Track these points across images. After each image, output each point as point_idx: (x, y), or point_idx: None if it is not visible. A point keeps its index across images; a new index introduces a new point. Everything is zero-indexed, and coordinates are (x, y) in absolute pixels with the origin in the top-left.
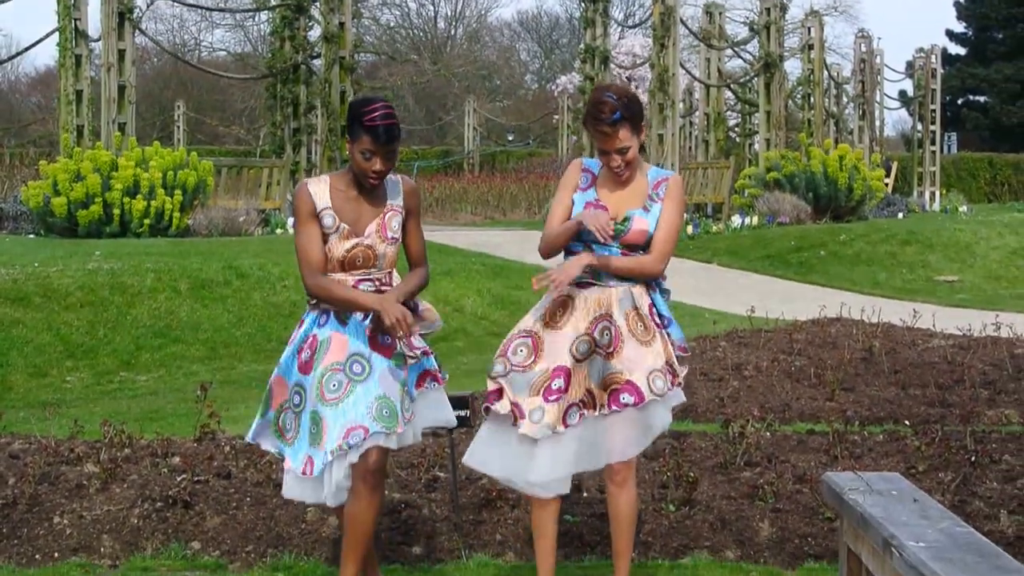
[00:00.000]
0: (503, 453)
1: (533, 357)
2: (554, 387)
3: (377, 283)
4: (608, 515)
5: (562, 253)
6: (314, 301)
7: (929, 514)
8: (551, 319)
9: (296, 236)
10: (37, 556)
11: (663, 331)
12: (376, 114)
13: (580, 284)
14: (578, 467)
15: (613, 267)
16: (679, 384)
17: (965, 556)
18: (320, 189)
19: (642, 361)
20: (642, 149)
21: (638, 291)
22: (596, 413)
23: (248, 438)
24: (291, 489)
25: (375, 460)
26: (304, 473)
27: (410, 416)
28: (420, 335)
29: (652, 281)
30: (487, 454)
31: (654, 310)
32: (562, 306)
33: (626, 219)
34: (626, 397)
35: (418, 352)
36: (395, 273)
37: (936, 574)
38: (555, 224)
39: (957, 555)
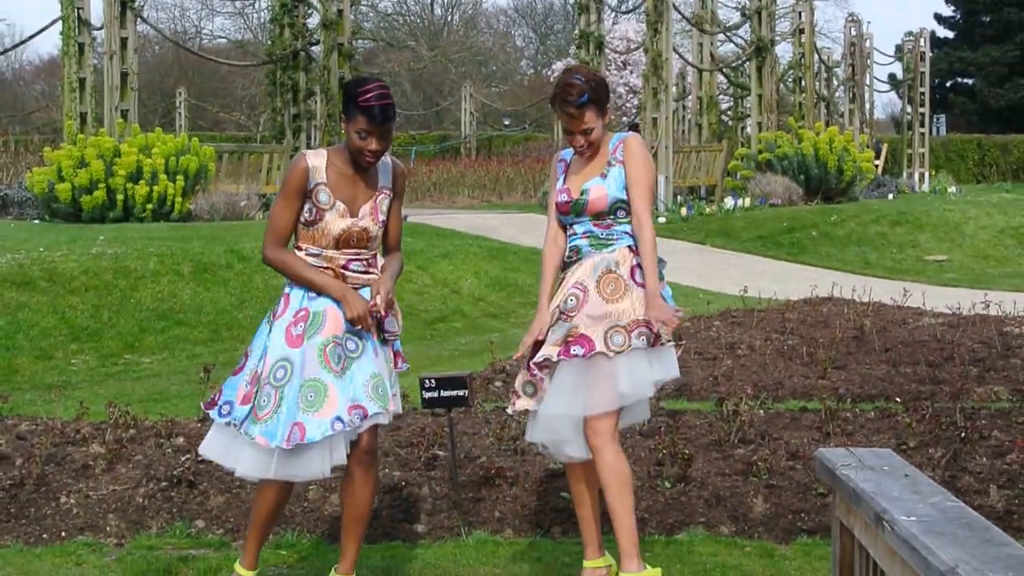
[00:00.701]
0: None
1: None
2: (533, 362)
3: (366, 263)
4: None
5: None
6: None
7: (920, 489)
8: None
9: (274, 204)
10: (44, 535)
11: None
12: (371, 94)
13: (566, 263)
14: (568, 412)
15: (655, 283)
16: (662, 343)
17: (955, 530)
18: (318, 163)
19: (603, 317)
20: (635, 127)
21: (619, 255)
22: (546, 372)
23: (206, 453)
24: (250, 466)
25: (368, 441)
26: (288, 443)
27: (395, 392)
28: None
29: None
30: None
31: (637, 272)
32: (560, 289)
33: (583, 192)
34: (576, 348)
35: (396, 334)
36: (379, 253)
37: (927, 547)
38: (552, 219)
39: (948, 529)
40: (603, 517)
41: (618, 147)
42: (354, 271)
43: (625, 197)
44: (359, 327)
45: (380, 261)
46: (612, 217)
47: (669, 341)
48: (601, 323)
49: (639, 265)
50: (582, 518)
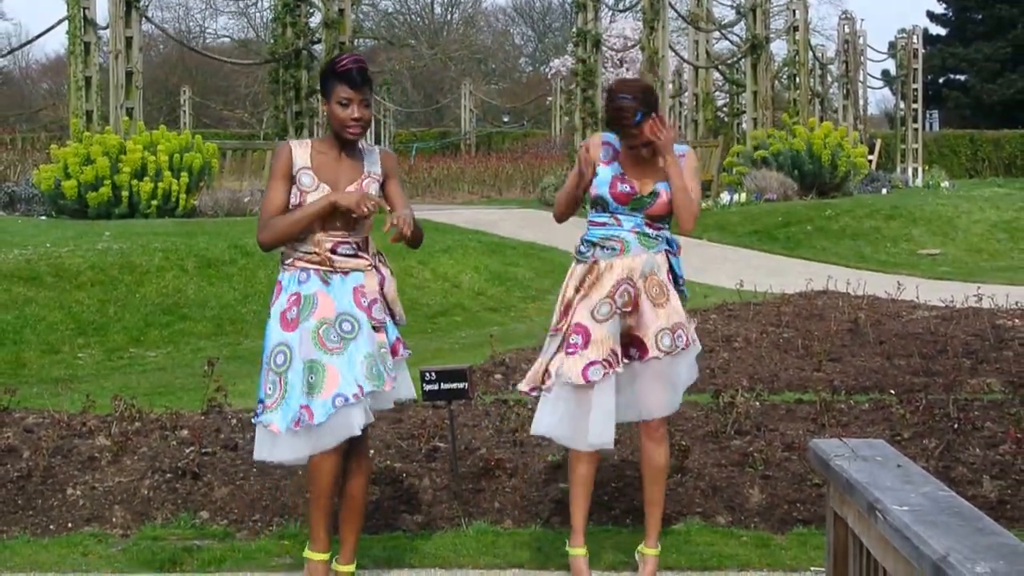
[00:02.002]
0: (560, 419)
1: (564, 320)
2: (571, 341)
3: (355, 246)
4: (641, 468)
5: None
6: (288, 261)
7: (912, 479)
8: (582, 285)
9: (266, 191)
10: (51, 526)
11: (679, 291)
12: (346, 60)
13: (605, 247)
14: (617, 419)
15: (677, 178)
16: (692, 342)
17: (947, 519)
18: (302, 151)
19: (654, 321)
20: None
21: (660, 258)
22: (619, 370)
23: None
24: (269, 451)
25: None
26: (297, 425)
27: (393, 377)
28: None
29: (672, 246)
30: (547, 421)
31: (671, 273)
32: (590, 272)
33: (653, 192)
34: (633, 351)
35: (385, 319)
36: (371, 239)
37: (919, 536)
38: (568, 189)
39: (939, 518)
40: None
41: (680, 159)
42: (342, 254)
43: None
44: (365, 208)
45: (373, 247)
46: (663, 222)
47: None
48: (651, 326)
49: (673, 268)
50: (583, 503)
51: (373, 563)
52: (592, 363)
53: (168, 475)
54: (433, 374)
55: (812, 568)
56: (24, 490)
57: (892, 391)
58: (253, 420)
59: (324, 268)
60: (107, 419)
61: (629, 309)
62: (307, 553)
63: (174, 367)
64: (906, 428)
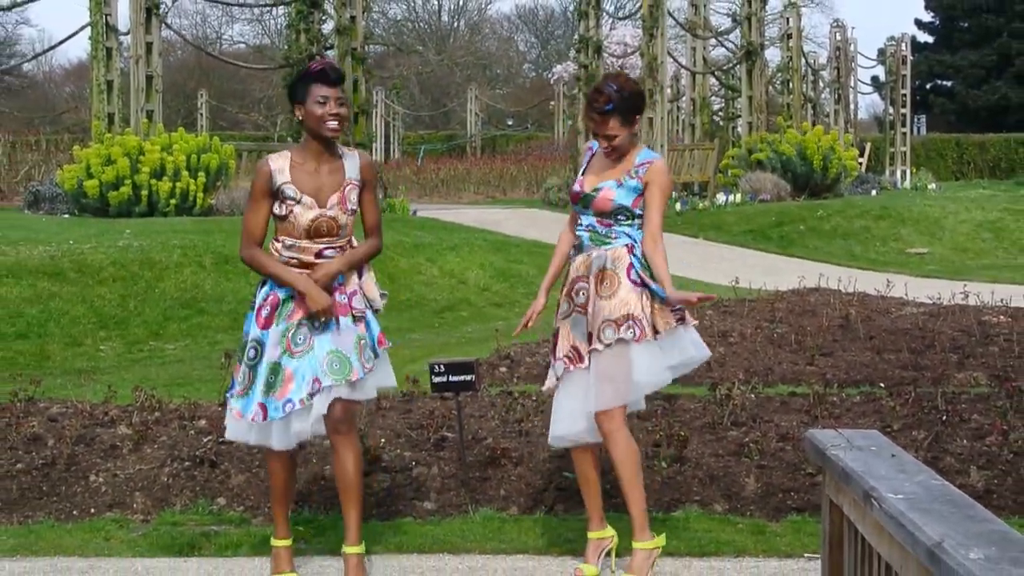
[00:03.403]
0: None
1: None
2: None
3: (339, 250)
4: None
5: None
6: (281, 260)
7: (906, 468)
8: (563, 286)
9: (246, 209)
10: (75, 512)
11: (638, 288)
12: (315, 63)
13: (574, 253)
14: (586, 418)
15: (669, 289)
16: (645, 338)
17: (941, 507)
18: (281, 165)
19: (599, 313)
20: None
21: (615, 254)
22: (584, 366)
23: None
24: (235, 432)
25: (339, 413)
26: (253, 420)
27: (370, 367)
28: (370, 308)
29: (636, 241)
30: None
31: (633, 270)
32: (564, 275)
33: (596, 188)
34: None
35: (364, 312)
36: (354, 239)
37: (914, 523)
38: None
39: (933, 506)
40: (605, 492)
41: (644, 165)
42: (328, 258)
43: (629, 205)
44: (322, 319)
45: (355, 244)
46: (613, 218)
47: (679, 323)
48: (597, 319)
49: (634, 264)
50: (587, 494)
51: (383, 548)
52: (558, 359)
53: (187, 463)
54: (442, 367)
55: (806, 554)
56: (49, 477)
57: (882, 384)
58: (227, 395)
59: (307, 272)
60: (128, 409)
61: (587, 307)
62: (272, 541)
63: (192, 359)
64: (896, 420)
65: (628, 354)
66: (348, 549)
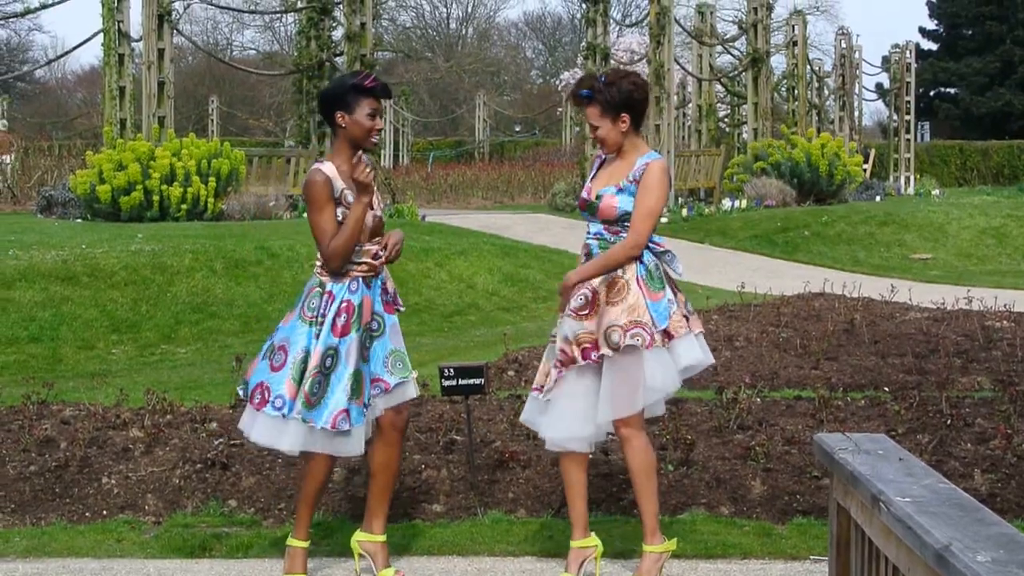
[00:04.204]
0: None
1: None
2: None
3: (380, 244)
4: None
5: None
6: (343, 271)
7: (914, 472)
8: None
9: (316, 218)
10: (87, 513)
11: (644, 298)
12: (369, 77)
13: (583, 261)
14: (585, 425)
15: (591, 275)
16: (655, 344)
17: (948, 510)
18: (332, 172)
19: (605, 317)
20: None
21: (629, 263)
22: (571, 369)
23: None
24: (294, 441)
25: (404, 411)
26: (332, 427)
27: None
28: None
29: (652, 253)
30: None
31: (639, 276)
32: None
33: (598, 196)
34: (594, 354)
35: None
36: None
37: (922, 526)
38: None
39: (941, 509)
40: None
41: (641, 167)
42: (378, 257)
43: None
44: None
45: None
46: (620, 226)
47: (689, 330)
48: (603, 323)
49: (640, 273)
50: (573, 501)
51: (393, 550)
52: (554, 364)
53: (198, 465)
54: (451, 370)
55: (812, 556)
56: (61, 479)
57: (887, 389)
58: (272, 411)
59: (370, 275)
60: (140, 412)
61: (586, 312)
62: (291, 541)
63: (203, 363)
64: (900, 424)
65: (640, 361)
66: (378, 537)
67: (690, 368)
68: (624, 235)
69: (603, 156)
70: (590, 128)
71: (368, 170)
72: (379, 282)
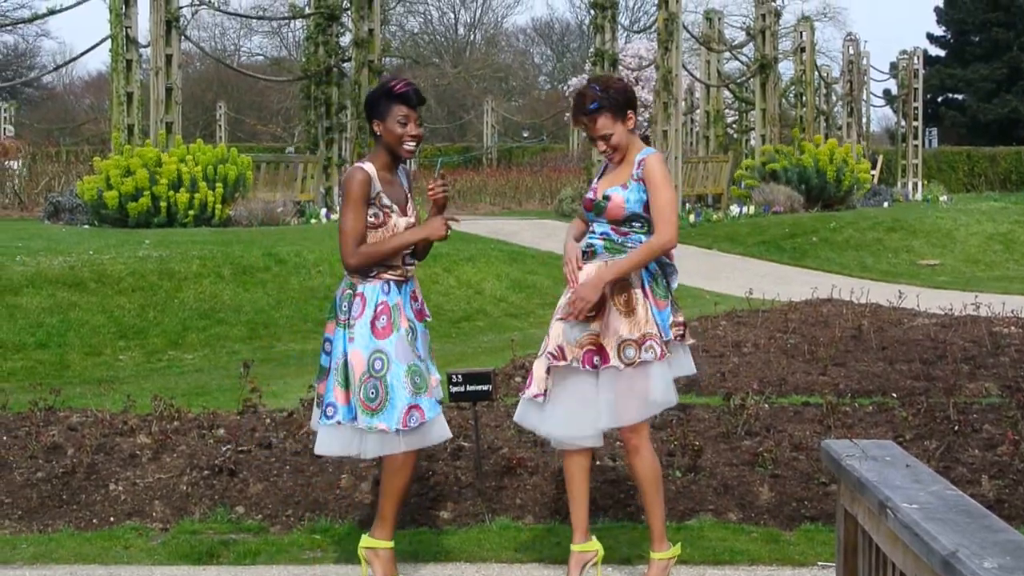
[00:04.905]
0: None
1: None
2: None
3: (412, 255)
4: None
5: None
6: (373, 273)
7: (921, 478)
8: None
9: (344, 217)
10: (94, 520)
11: (651, 306)
12: (401, 83)
13: (585, 260)
14: (582, 424)
15: (627, 269)
16: (666, 356)
17: (955, 517)
18: (372, 173)
19: (617, 330)
20: (645, 140)
21: None
22: (565, 362)
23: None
24: (377, 447)
25: None
26: (406, 426)
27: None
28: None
29: (656, 263)
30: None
31: (645, 286)
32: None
33: (606, 197)
34: (597, 359)
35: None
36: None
37: (929, 533)
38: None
39: (948, 516)
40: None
41: (640, 163)
42: (409, 262)
43: (641, 211)
44: (448, 228)
45: None
46: (628, 226)
47: (679, 340)
48: (615, 335)
49: (644, 278)
50: (576, 503)
51: (401, 557)
52: (545, 353)
53: (205, 472)
54: (459, 376)
55: (820, 563)
56: (69, 486)
57: (894, 395)
58: (325, 420)
59: (401, 281)
60: (147, 418)
61: (593, 314)
62: (376, 542)
63: (211, 369)
64: (908, 430)
65: (648, 371)
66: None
67: (676, 379)
68: (633, 235)
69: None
70: (601, 141)
71: (440, 190)
72: (409, 288)
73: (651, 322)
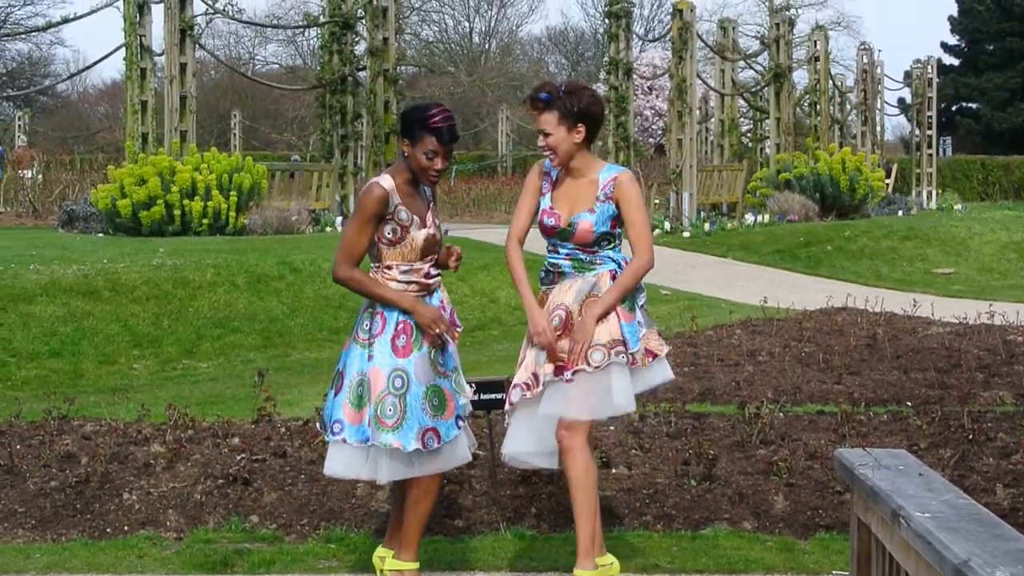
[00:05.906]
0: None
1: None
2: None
3: (432, 262)
4: None
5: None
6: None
7: (934, 487)
8: None
9: (349, 228)
10: (108, 529)
11: (620, 319)
12: (438, 117)
13: (546, 280)
14: (540, 444)
15: (618, 300)
16: (635, 364)
17: (968, 525)
18: (391, 187)
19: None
20: (659, 149)
21: (601, 279)
22: (539, 389)
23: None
24: (392, 473)
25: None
26: (424, 447)
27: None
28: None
29: (620, 266)
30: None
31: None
32: (543, 300)
33: (571, 224)
34: (567, 372)
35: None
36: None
37: (941, 542)
38: (521, 219)
39: (960, 525)
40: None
41: (609, 183)
42: (433, 275)
43: (609, 230)
44: (437, 330)
45: None
46: (597, 246)
47: (654, 359)
48: (580, 342)
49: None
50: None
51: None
52: (515, 386)
53: (220, 481)
54: (473, 385)
55: (834, 572)
56: (82, 495)
57: (909, 403)
58: (331, 436)
59: (423, 294)
60: (161, 427)
61: (560, 332)
62: (404, 564)
63: (225, 378)
64: (923, 439)
65: (612, 372)
66: (415, 565)
67: (658, 386)
68: (600, 253)
69: (552, 173)
70: (541, 136)
71: (454, 264)
72: (435, 300)
73: (616, 331)
